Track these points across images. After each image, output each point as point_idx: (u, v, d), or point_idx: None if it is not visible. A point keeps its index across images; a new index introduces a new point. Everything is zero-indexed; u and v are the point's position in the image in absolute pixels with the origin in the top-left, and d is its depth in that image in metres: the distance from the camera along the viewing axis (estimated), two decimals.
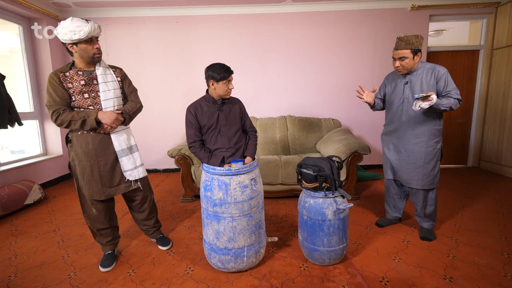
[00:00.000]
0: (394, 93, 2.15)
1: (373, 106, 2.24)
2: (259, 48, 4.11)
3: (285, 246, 2.12)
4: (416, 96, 1.84)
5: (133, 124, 4.06)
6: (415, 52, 1.95)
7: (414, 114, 2.04)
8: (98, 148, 1.78)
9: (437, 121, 2.03)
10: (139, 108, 1.94)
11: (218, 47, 4.12)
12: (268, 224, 2.50)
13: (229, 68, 1.83)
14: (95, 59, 1.75)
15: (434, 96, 1.81)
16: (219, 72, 1.79)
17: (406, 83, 2.07)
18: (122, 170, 1.87)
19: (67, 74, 1.71)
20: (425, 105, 1.83)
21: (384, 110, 2.32)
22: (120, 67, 1.95)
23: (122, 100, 1.91)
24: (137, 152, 1.94)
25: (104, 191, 1.82)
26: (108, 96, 1.78)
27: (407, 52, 1.95)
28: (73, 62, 1.77)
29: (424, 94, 1.81)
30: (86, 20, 1.66)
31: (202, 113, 1.88)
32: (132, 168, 1.89)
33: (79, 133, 1.76)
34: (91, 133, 1.76)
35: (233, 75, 1.87)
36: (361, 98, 2.17)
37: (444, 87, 1.94)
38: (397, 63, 2.01)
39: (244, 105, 2.10)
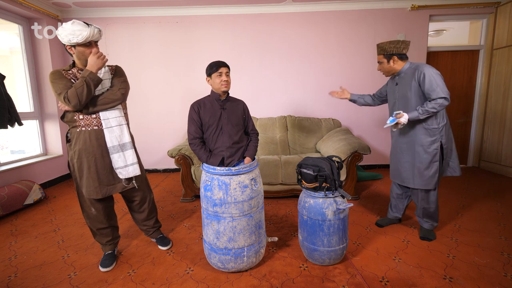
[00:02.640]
0: (389, 94, 2.25)
1: (354, 101, 2.48)
2: (259, 48, 4.11)
3: (285, 246, 2.12)
4: (390, 119, 2.00)
5: (133, 124, 4.04)
6: (389, 57, 2.06)
7: None
8: (95, 144, 1.78)
9: (429, 120, 2.01)
10: (109, 95, 1.78)
11: (218, 47, 4.12)
12: (268, 224, 2.50)
13: (221, 62, 1.88)
14: None
15: (403, 119, 1.93)
16: (210, 67, 1.88)
17: (396, 84, 2.15)
18: (113, 167, 1.84)
19: (70, 72, 1.74)
20: (394, 124, 1.98)
21: (383, 108, 2.39)
22: (116, 65, 1.94)
23: None
24: (131, 150, 1.88)
25: (101, 189, 1.81)
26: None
27: (380, 58, 2.11)
28: (74, 62, 1.79)
29: (396, 112, 1.97)
30: (88, 24, 1.66)
31: (205, 110, 1.91)
32: (122, 166, 1.84)
33: (77, 130, 1.76)
34: (89, 129, 1.76)
35: (227, 69, 1.88)
36: (339, 97, 2.45)
37: (428, 87, 1.92)
38: (378, 67, 2.19)
39: None
